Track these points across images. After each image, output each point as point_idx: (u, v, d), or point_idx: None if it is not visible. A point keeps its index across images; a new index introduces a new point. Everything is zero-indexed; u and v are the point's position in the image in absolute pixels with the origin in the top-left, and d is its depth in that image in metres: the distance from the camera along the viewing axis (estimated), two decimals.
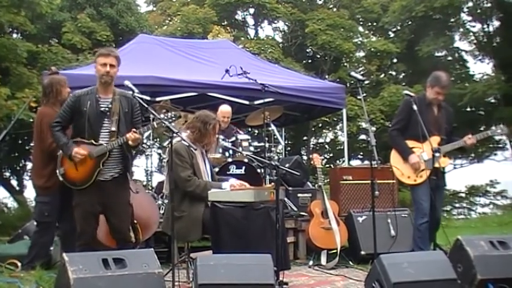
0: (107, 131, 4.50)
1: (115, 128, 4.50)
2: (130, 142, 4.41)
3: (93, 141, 4.47)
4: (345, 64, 20.62)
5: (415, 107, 5.32)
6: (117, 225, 4.63)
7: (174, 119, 4.43)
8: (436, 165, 5.36)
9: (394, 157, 5.63)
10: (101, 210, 4.58)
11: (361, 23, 22.01)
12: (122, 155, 4.57)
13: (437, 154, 5.26)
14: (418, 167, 5.42)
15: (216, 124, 5.00)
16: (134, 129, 4.43)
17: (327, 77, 18.93)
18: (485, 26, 18.82)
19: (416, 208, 5.55)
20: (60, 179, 4.58)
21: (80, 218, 4.55)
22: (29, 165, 15.11)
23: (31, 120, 9.12)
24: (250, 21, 22.34)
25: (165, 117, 4.40)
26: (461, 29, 19.15)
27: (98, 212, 4.58)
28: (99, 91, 4.56)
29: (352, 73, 5.61)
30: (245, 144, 6.84)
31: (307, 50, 21.15)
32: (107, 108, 4.52)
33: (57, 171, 4.60)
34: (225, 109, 7.05)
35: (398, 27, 20.59)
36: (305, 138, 20.84)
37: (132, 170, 5.25)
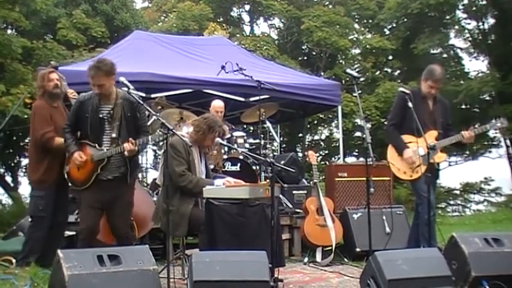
0: (108, 137, 4.60)
1: (115, 135, 4.59)
2: (126, 153, 4.48)
3: (96, 146, 4.60)
4: (341, 61, 20.59)
5: (410, 105, 5.17)
6: (115, 224, 4.74)
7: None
8: (431, 160, 5.21)
9: (391, 153, 5.59)
10: (101, 207, 4.68)
11: (357, 20, 21.99)
12: (124, 158, 4.62)
13: (432, 151, 5.09)
14: (411, 162, 5.37)
15: (220, 132, 5.02)
16: (132, 139, 4.47)
17: (322, 74, 18.92)
18: (480, 23, 18.83)
19: (420, 202, 5.43)
20: (65, 176, 4.77)
21: (83, 212, 4.69)
22: (24, 161, 15.08)
23: (25, 116, 9.09)
24: (246, 18, 22.35)
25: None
26: (456, 27, 19.14)
27: (99, 209, 4.67)
28: (99, 97, 4.62)
29: (348, 70, 5.55)
30: (240, 141, 6.84)
31: (303, 47, 21.13)
32: (108, 115, 4.59)
33: (64, 168, 4.78)
34: (217, 104, 6.99)
35: (394, 25, 20.58)
36: (300, 135, 20.84)
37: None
